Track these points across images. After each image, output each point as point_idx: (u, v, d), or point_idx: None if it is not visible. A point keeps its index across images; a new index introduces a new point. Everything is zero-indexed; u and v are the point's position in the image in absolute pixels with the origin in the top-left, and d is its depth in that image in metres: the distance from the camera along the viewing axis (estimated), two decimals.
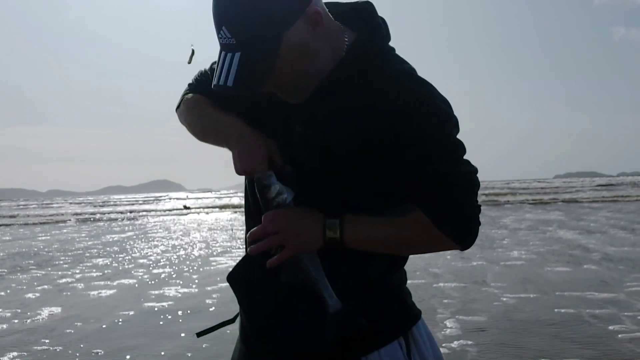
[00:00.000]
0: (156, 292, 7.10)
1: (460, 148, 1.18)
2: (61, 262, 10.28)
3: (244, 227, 1.34)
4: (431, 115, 1.15)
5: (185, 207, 30.82)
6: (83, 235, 16.50)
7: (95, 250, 11.94)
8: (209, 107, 1.37)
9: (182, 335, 5.04)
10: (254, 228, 1.20)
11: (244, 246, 1.32)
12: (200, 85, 1.42)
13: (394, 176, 1.18)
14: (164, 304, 6.38)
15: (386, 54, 1.23)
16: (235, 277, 1.33)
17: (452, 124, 1.17)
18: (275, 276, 1.20)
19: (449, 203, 1.17)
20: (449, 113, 1.17)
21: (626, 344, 4.33)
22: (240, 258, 1.34)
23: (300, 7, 1.12)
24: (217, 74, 1.13)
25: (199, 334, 1.43)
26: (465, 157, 1.18)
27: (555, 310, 5.44)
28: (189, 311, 5.90)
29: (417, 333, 1.27)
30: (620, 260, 8.30)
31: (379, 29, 1.24)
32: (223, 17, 1.10)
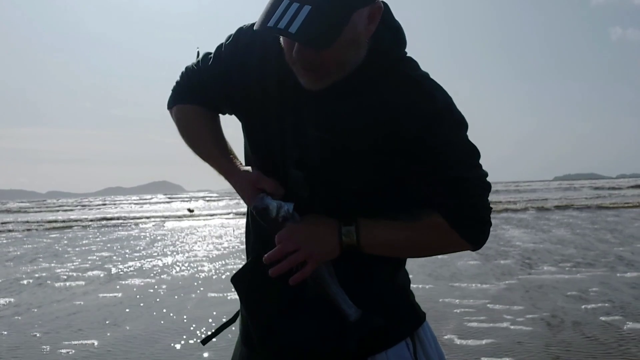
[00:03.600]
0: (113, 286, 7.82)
1: (476, 153, 1.18)
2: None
3: (244, 231, 1.36)
4: (453, 123, 1.15)
5: (190, 210, 28.96)
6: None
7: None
8: (201, 132, 1.32)
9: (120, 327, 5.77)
10: (270, 251, 1.14)
11: (245, 250, 1.34)
12: (191, 88, 1.33)
13: (410, 179, 1.16)
14: (117, 294, 7.13)
15: (407, 59, 1.20)
16: (240, 279, 1.29)
17: (467, 129, 1.17)
18: (281, 279, 1.15)
19: (467, 207, 1.17)
20: (465, 119, 1.16)
21: (465, 323, 5.04)
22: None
23: None
24: (274, 16, 0.99)
25: (203, 342, 1.39)
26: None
27: (429, 296, 6.09)
28: (127, 310, 6.16)
29: (422, 334, 1.27)
30: (526, 257, 8.90)
31: (399, 32, 1.18)
32: None
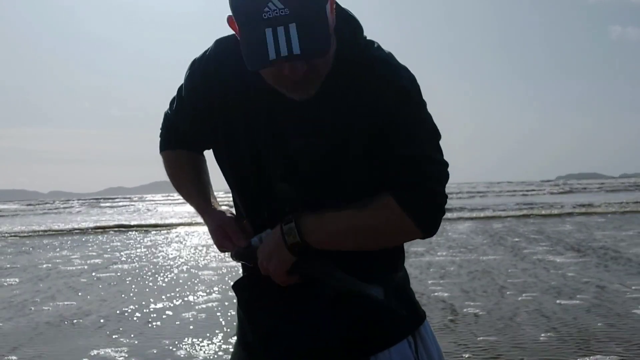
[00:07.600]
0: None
1: (438, 134, 1.17)
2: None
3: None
4: (419, 101, 1.15)
5: None
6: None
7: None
8: (181, 183, 1.37)
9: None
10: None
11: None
12: (168, 133, 1.37)
13: (376, 161, 1.14)
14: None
15: (370, 42, 1.18)
16: (243, 285, 1.29)
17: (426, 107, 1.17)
18: (280, 287, 1.19)
19: (424, 188, 1.12)
20: (424, 100, 1.16)
21: None
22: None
23: None
24: (269, 49, 0.96)
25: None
26: (440, 143, 1.17)
27: None
28: (70, 302, 6.89)
29: (424, 332, 1.27)
30: (439, 244, 9.75)
31: (352, 19, 1.17)
32: None
